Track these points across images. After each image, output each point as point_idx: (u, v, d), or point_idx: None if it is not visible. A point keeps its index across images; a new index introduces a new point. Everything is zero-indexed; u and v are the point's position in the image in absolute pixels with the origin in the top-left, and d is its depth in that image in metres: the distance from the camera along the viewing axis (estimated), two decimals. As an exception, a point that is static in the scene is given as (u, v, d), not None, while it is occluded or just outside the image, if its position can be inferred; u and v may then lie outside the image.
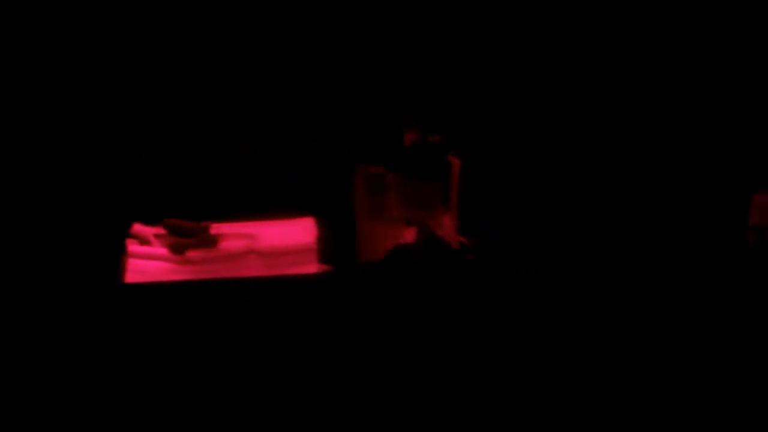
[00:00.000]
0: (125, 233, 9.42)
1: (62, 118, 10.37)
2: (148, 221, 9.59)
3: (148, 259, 9.11)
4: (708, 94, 10.16)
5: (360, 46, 10.77)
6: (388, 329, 5.88)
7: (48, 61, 10.43)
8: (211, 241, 9.07)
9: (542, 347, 5.75)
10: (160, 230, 9.25)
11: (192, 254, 8.97)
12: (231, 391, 5.65)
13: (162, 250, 9.12)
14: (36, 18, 10.34)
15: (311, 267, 9.24)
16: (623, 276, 6.14)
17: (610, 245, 9.78)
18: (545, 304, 5.88)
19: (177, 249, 8.90)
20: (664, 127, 10.35)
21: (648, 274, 6.09)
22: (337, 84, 10.71)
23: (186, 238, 9.02)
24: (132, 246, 9.26)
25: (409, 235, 8.70)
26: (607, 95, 10.38)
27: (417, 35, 10.65)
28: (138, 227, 9.56)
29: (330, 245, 9.75)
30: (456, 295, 6.05)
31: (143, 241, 9.35)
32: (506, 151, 10.36)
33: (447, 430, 5.59)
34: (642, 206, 10.03)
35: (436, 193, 8.87)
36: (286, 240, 9.54)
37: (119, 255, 9.19)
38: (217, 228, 9.31)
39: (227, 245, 9.39)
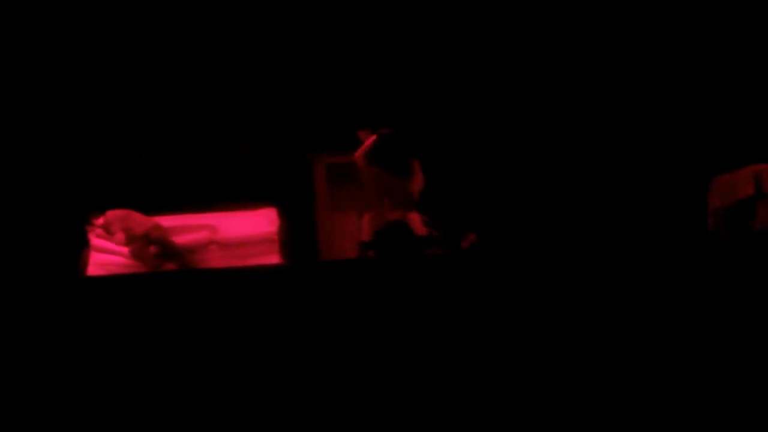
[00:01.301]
0: (88, 227, 9.36)
1: (29, 116, 10.29)
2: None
3: (111, 254, 9.05)
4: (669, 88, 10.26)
5: (338, 43, 10.77)
6: (351, 320, 5.85)
7: (16, 62, 10.35)
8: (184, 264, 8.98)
9: (510, 341, 5.74)
10: (122, 220, 9.16)
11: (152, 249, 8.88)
12: (191, 380, 5.62)
13: (124, 248, 9.06)
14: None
15: (273, 258, 9.20)
16: (595, 267, 6.14)
17: (583, 238, 9.82)
18: (510, 298, 5.87)
19: (146, 260, 8.80)
20: (623, 123, 10.42)
21: (619, 263, 6.10)
22: (308, 77, 10.69)
23: (163, 256, 8.91)
24: (95, 240, 9.20)
25: (373, 225, 8.70)
26: (583, 98, 10.45)
27: (416, 37, 10.66)
28: (99, 220, 9.49)
29: (291, 235, 9.73)
30: (419, 286, 6.02)
31: (105, 233, 9.28)
32: (489, 153, 10.39)
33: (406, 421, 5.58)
34: (613, 200, 10.09)
35: (406, 187, 8.87)
36: (247, 231, 9.49)
37: (82, 249, 9.12)
38: (178, 219, 9.25)
39: (188, 237, 9.33)
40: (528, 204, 10.34)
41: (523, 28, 10.55)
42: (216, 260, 9.10)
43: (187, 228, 9.36)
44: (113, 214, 9.07)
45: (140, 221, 9.10)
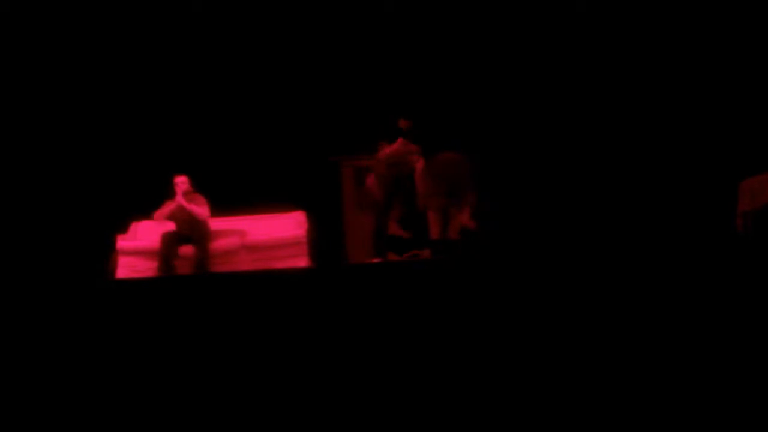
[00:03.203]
0: (117, 230, 9.41)
1: (57, 117, 10.37)
2: (139, 217, 9.58)
3: (139, 256, 9.08)
4: (693, 91, 10.22)
5: (361, 47, 10.81)
6: (378, 323, 5.85)
7: (43, 63, 10.44)
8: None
9: (539, 344, 5.72)
10: (152, 226, 9.19)
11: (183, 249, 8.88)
12: (220, 386, 5.64)
13: (152, 246, 9.09)
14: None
15: (302, 261, 9.23)
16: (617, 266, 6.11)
17: (606, 234, 9.80)
18: (547, 300, 5.85)
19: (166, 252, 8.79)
20: (654, 124, 10.39)
21: (646, 265, 6.07)
22: (343, 78, 10.74)
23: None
24: (122, 242, 9.25)
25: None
26: (609, 98, 10.43)
27: (433, 43, 10.70)
28: (131, 224, 9.55)
29: (320, 238, 9.76)
30: (445, 288, 6.01)
31: (134, 237, 9.31)
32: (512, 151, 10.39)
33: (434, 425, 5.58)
34: (640, 199, 10.06)
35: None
36: (276, 234, 9.53)
37: (110, 252, 9.17)
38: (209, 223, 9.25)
39: (220, 243, 9.37)
40: (543, 203, 10.37)
41: (538, 31, 10.60)
42: (245, 263, 9.14)
43: (218, 233, 9.42)
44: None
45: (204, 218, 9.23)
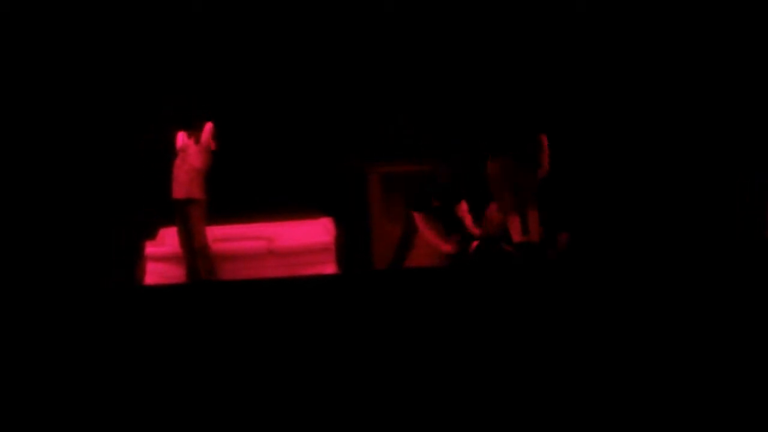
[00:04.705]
0: (145, 236, 9.45)
1: (84, 124, 10.42)
2: (168, 223, 9.61)
3: (166, 261, 9.12)
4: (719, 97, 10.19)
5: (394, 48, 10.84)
6: (405, 329, 5.85)
7: (68, 65, 10.48)
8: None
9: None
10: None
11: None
12: (248, 392, 5.65)
13: (181, 252, 9.13)
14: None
15: (329, 267, 9.24)
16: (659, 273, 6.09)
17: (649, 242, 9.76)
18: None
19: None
20: (687, 132, 10.36)
21: (676, 270, 6.04)
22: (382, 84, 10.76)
23: None
24: (150, 248, 9.29)
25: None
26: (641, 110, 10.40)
27: (463, 49, 10.71)
28: (160, 230, 9.59)
29: (347, 245, 9.77)
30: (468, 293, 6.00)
31: (162, 242, 9.35)
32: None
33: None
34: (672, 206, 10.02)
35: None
36: (304, 240, 9.56)
37: (138, 258, 9.21)
38: (237, 229, 9.31)
39: (246, 246, 9.41)
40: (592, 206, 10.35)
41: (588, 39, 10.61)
42: (272, 269, 9.17)
43: (246, 237, 9.45)
44: None
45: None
